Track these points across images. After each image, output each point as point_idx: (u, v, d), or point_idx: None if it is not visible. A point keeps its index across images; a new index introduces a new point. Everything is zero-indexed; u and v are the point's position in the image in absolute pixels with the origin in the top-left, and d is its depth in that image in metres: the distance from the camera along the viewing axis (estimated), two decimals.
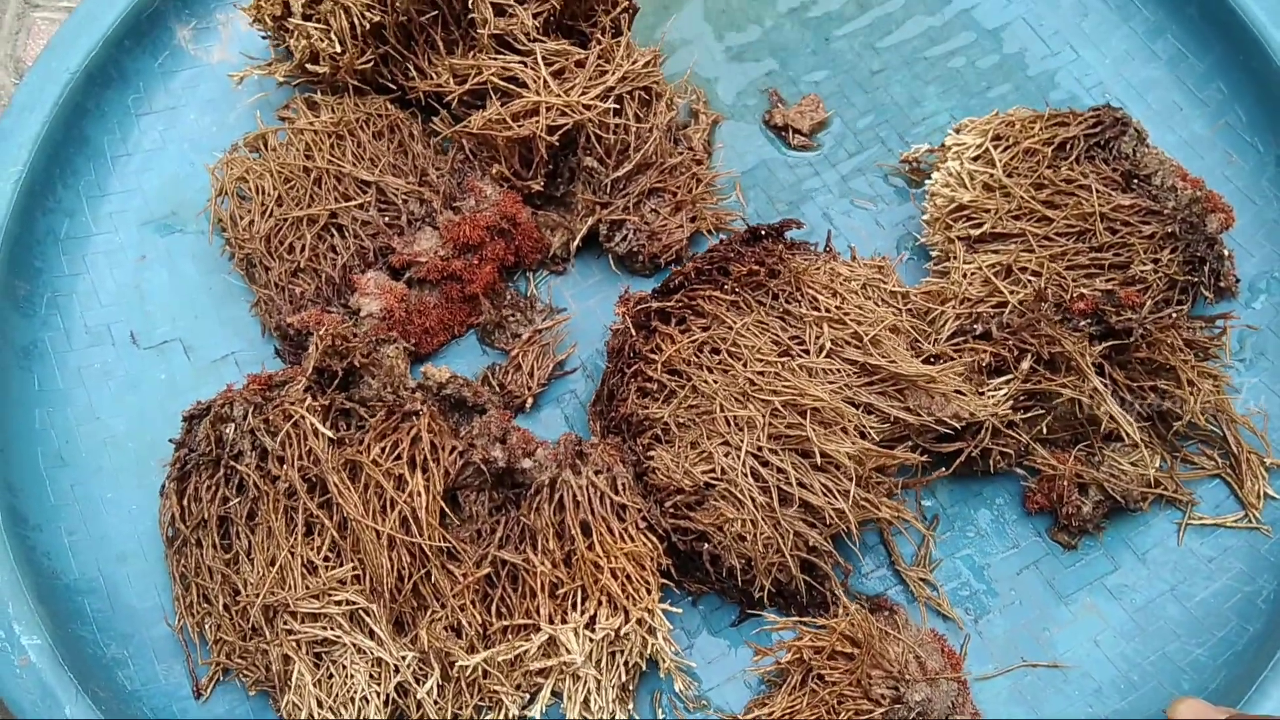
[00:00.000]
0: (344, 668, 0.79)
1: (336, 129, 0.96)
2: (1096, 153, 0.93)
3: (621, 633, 0.78)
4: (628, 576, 0.79)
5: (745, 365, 0.80)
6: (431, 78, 0.97)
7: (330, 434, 0.81)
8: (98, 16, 1.00)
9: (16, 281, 0.93)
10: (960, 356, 0.85)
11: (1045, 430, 0.86)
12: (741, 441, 0.78)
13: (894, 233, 0.98)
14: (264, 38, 1.00)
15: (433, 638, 0.79)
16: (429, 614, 0.81)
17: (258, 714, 0.83)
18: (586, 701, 0.79)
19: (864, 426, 0.79)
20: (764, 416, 0.78)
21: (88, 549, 0.88)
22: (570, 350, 0.95)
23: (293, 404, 0.82)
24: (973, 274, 0.90)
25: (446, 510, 0.81)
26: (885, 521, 0.80)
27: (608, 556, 0.79)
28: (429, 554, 0.79)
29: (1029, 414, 0.85)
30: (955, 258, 0.91)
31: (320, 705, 0.78)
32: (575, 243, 0.96)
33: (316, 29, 0.95)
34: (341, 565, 0.80)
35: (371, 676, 0.79)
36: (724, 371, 0.81)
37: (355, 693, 0.79)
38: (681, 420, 0.81)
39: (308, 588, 0.78)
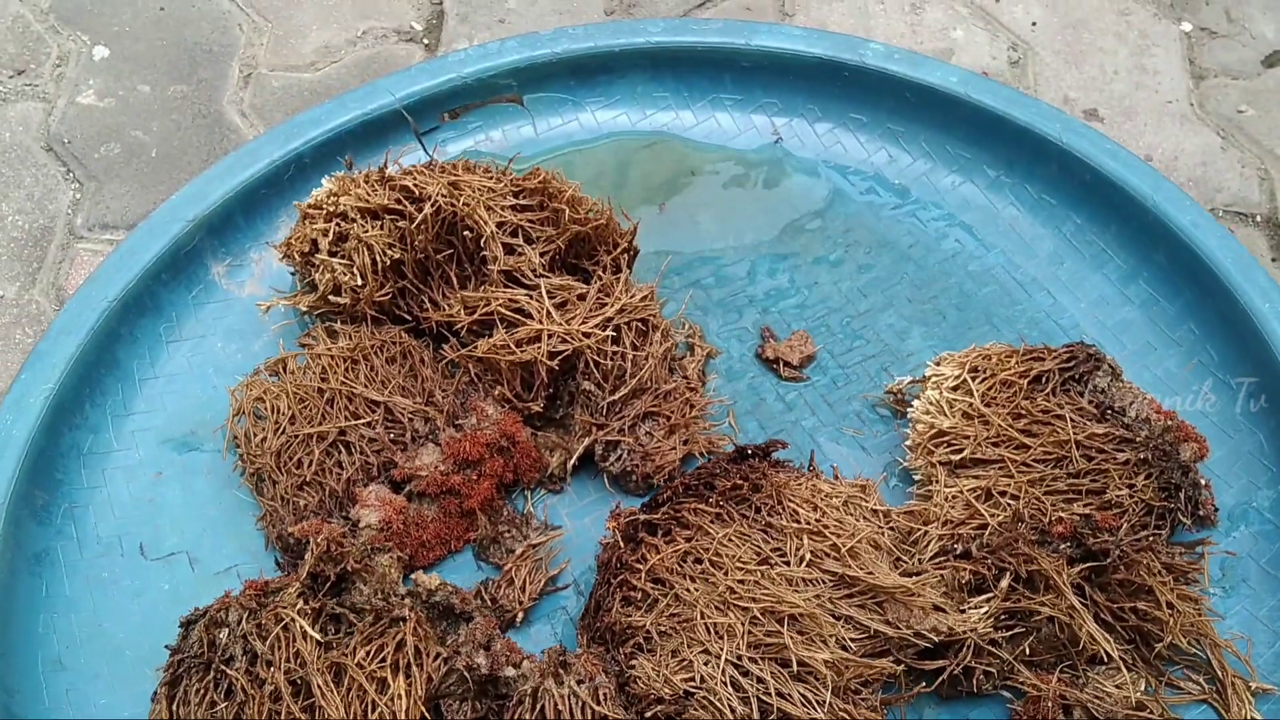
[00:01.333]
0: None
1: (352, 354, 1.03)
2: (1071, 386, 0.97)
3: None
4: None
5: (726, 574, 0.83)
6: (444, 309, 1.03)
7: (318, 636, 0.83)
8: (139, 252, 1.08)
9: (36, 491, 0.98)
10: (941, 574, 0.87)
11: (1029, 652, 0.87)
12: (721, 650, 0.79)
13: (880, 459, 1.02)
14: (291, 273, 1.07)
15: None
16: None
17: None
18: None
19: (843, 638, 0.80)
20: (743, 624, 0.80)
21: None
22: (563, 566, 0.97)
23: (285, 608, 0.84)
24: (954, 497, 0.93)
25: (428, 716, 0.82)
26: None
27: None
28: None
29: (1010, 632, 0.85)
30: (937, 481, 0.94)
31: None
32: (571, 461, 1.00)
33: (341, 264, 1.02)
34: None
35: None
36: (706, 580, 0.83)
37: None
38: (663, 628, 0.83)
39: None
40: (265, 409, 1.01)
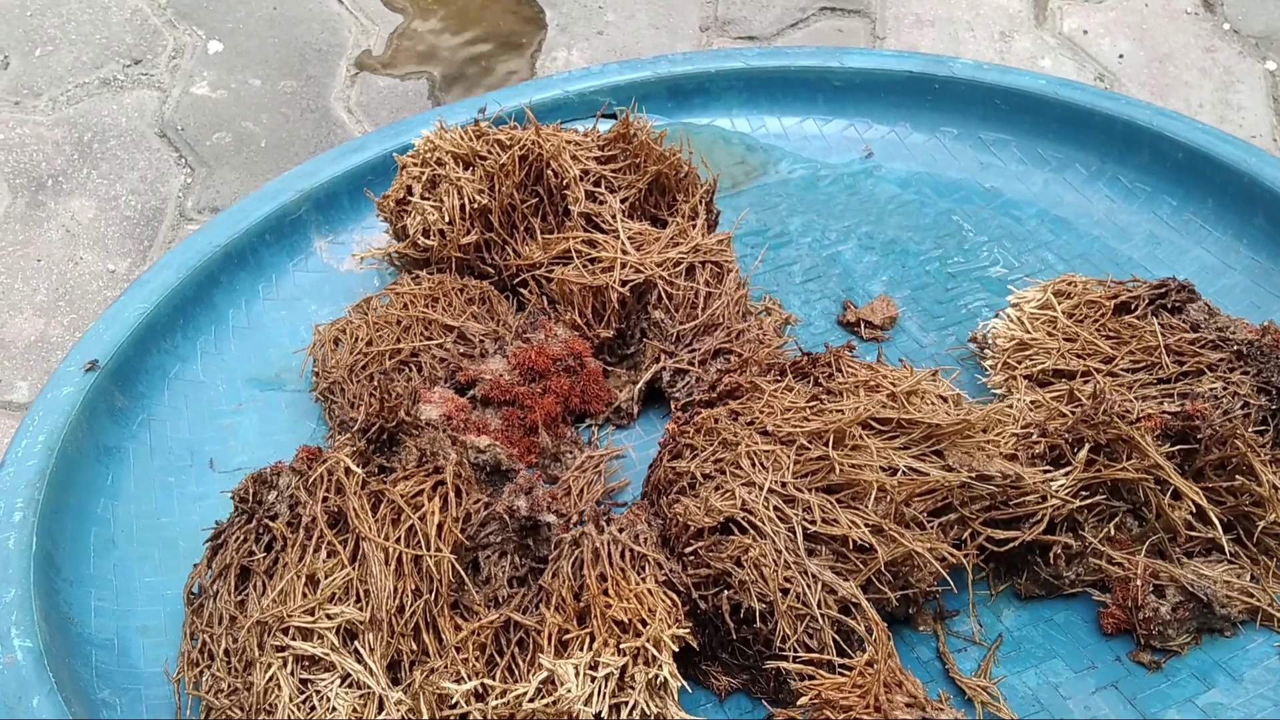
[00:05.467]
0: (327, 700, 0.73)
1: (433, 292, 1.05)
2: (1161, 313, 0.92)
3: (627, 674, 0.71)
4: (641, 621, 0.73)
5: (774, 415, 0.79)
6: (526, 256, 1.06)
7: (361, 472, 0.81)
8: (248, 212, 1.14)
9: (117, 393, 1.00)
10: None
11: (1114, 540, 0.79)
12: (765, 480, 0.75)
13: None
14: (383, 220, 1.11)
15: (426, 681, 0.73)
16: (428, 665, 0.75)
17: None
18: None
19: (895, 464, 0.75)
20: (789, 455, 0.75)
21: (112, 615, 0.87)
22: (623, 482, 0.94)
23: (333, 456, 0.83)
24: (1035, 405, 0.88)
25: (463, 540, 0.78)
26: (922, 566, 0.73)
27: (621, 599, 0.74)
28: (436, 574, 0.75)
29: (1091, 502, 0.78)
30: (1017, 392, 0.89)
31: None
32: (639, 387, 0.98)
33: (431, 205, 1.06)
34: (348, 591, 0.76)
35: (355, 710, 0.73)
36: (754, 426, 0.79)
37: None
38: (708, 471, 0.78)
39: (305, 598, 0.75)
40: (345, 338, 1.03)
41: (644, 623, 0.73)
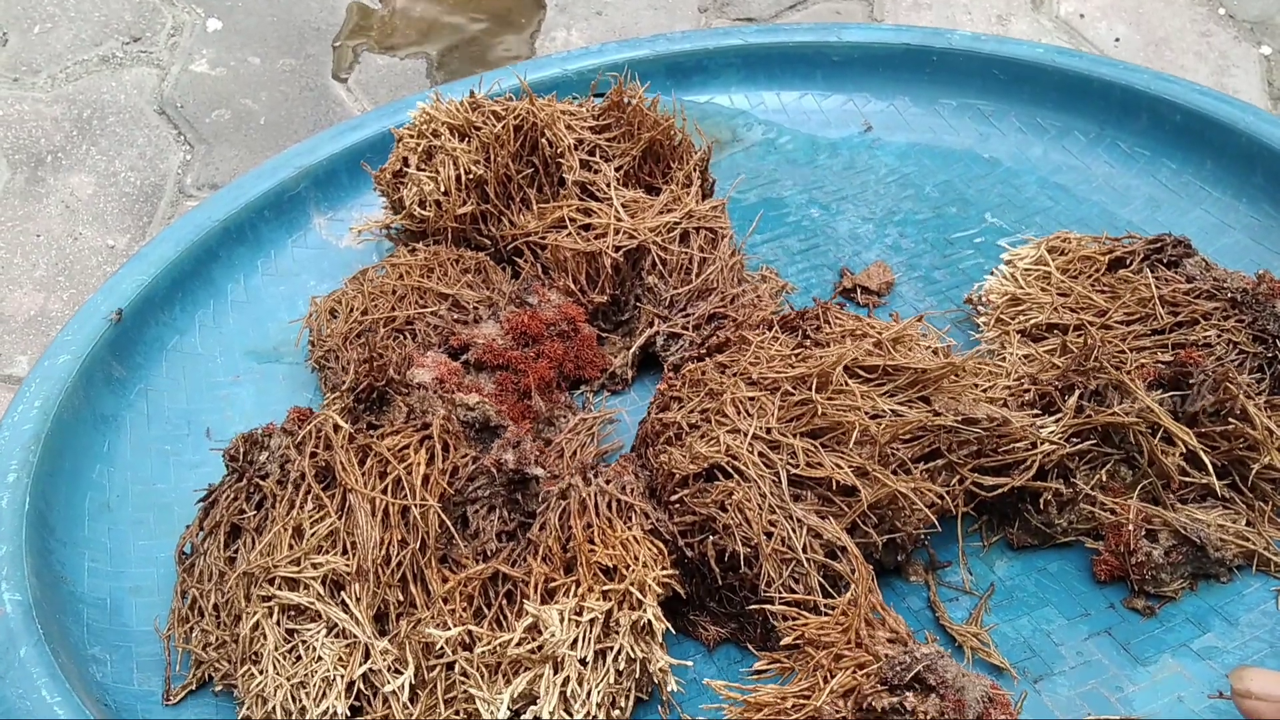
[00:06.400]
0: (313, 649, 0.73)
1: (429, 263, 1.05)
2: (1157, 267, 0.92)
3: (612, 619, 0.71)
4: (626, 566, 0.73)
5: (759, 364, 0.78)
6: (521, 226, 1.06)
7: (348, 427, 0.81)
8: (246, 188, 1.15)
9: (114, 363, 1.01)
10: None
11: (1106, 488, 0.78)
12: (750, 426, 0.74)
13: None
14: (380, 194, 1.12)
15: (412, 630, 0.73)
16: (415, 616, 0.75)
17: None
18: (566, 697, 0.69)
19: (879, 408, 0.74)
20: (774, 401, 0.75)
21: (105, 576, 0.87)
22: (616, 444, 0.93)
23: (322, 415, 0.84)
24: (1028, 359, 0.87)
25: (448, 490, 0.78)
26: (909, 509, 0.72)
27: (606, 546, 0.73)
28: (422, 524, 0.75)
29: (1081, 446, 0.77)
30: (1010, 346, 0.88)
31: (279, 674, 0.71)
32: (633, 351, 0.98)
33: (427, 176, 1.06)
34: (334, 541, 0.76)
35: (340, 659, 0.73)
36: (741, 376, 0.79)
37: (318, 674, 0.72)
38: (694, 422, 0.78)
39: (291, 548, 0.75)
40: (341, 309, 1.03)
41: (629, 568, 0.72)
